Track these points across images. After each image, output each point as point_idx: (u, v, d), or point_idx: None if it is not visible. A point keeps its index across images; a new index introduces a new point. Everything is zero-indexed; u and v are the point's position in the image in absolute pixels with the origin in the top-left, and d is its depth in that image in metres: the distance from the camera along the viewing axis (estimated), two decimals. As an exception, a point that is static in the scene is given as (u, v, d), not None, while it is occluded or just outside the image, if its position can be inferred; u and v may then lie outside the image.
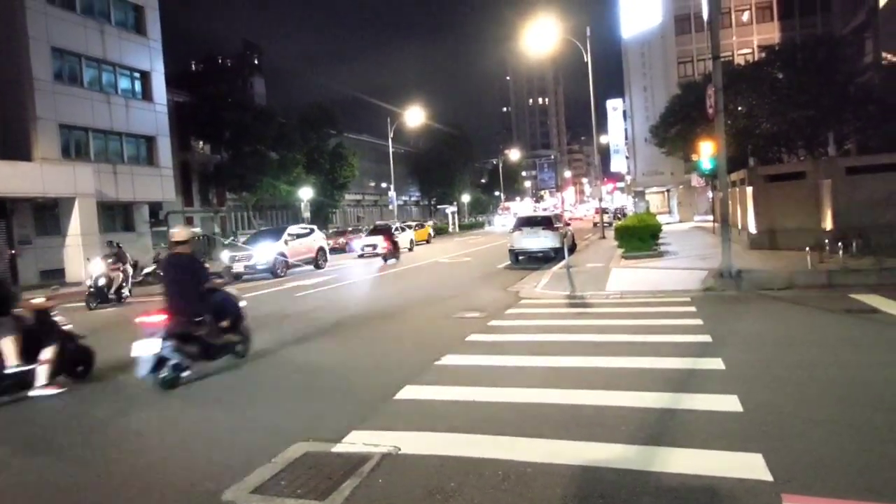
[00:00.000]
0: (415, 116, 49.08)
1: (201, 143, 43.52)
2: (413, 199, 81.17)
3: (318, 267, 23.62)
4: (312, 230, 25.35)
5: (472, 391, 6.03)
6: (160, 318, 6.95)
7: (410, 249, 33.07)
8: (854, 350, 6.92)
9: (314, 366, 7.85)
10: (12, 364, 6.75)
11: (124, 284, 16.65)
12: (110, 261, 16.56)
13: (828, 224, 15.67)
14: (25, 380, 6.82)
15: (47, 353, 6.90)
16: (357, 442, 4.85)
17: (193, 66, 49.39)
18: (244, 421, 5.70)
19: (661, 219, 28.45)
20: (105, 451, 5.13)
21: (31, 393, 6.80)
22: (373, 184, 70.23)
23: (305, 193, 40.81)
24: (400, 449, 4.63)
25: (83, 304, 15.76)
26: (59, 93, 26.95)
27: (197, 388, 6.97)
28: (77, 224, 25.58)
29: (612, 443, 4.51)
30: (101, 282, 15.97)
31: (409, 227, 38.06)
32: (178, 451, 5.04)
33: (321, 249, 24.44)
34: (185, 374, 7.01)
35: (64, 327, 7.40)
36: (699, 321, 8.94)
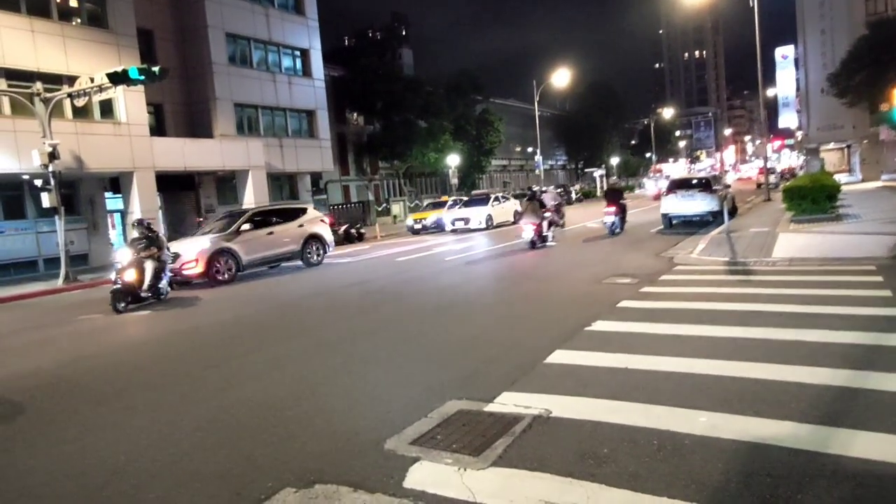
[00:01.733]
0: (562, 78, 47.76)
1: (355, 114, 45.72)
2: (560, 162, 79.63)
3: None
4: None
5: (623, 358, 5.89)
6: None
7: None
8: None
9: (473, 323, 8.08)
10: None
11: (162, 276, 12.62)
12: (141, 245, 12.50)
13: None
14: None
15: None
16: (508, 403, 4.95)
17: (347, 41, 51.80)
18: (402, 376, 6.02)
19: (839, 178, 25.46)
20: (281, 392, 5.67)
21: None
22: (519, 148, 69.79)
23: (453, 160, 41.62)
24: (551, 412, 4.65)
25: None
26: (232, 74, 29.57)
27: (363, 340, 7.47)
28: (251, 194, 28.20)
29: (780, 419, 4.19)
30: (130, 276, 11.90)
31: (508, 197, 32.82)
32: (342, 401, 5.45)
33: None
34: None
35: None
36: (887, 292, 7.97)
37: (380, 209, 42.23)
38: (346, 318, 9.46)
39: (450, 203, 31.26)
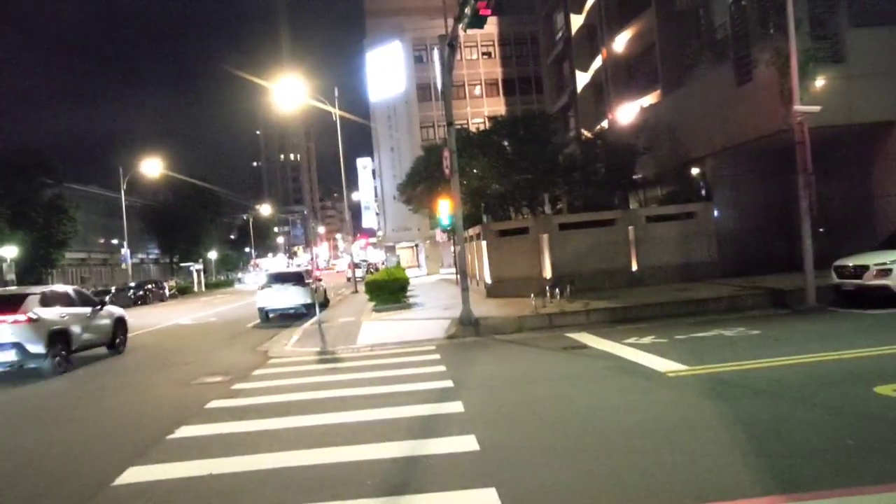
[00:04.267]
0: (153, 167, 45.26)
1: None
2: (152, 256, 73.99)
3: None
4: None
5: (208, 464, 5.48)
6: None
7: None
8: (570, 382, 7.86)
9: (28, 451, 6.45)
10: None
11: None
12: None
13: (547, 272, 17.91)
14: None
15: None
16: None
17: None
18: None
19: (410, 272, 29.86)
20: None
21: None
22: (102, 240, 62.54)
23: (9, 252, 34.62)
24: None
25: None
26: None
27: None
28: None
29: (357, 498, 4.41)
30: None
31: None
32: None
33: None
34: None
35: None
36: (442, 368, 9.40)
37: None
38: None
39: None
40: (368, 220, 74.26)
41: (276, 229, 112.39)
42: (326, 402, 7.66)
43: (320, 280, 24.77)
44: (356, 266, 39.02)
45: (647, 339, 10.28)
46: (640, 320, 12.76)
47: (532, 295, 14.54)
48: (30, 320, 11.50)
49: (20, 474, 5.81)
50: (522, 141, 24.56)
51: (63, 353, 12.23)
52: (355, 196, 75.27)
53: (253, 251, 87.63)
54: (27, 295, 12.15)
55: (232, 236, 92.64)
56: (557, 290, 15.35)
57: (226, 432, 6.60)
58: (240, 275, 76.41)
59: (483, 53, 57.17)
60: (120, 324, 14.99)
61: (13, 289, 16.33)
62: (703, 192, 19.64)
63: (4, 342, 11.22)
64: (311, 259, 74.19)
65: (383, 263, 57.19)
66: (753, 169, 18.84)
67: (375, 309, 19.34)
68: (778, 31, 14.32)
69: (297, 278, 20.88)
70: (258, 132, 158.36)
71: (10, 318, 11.36)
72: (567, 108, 38.50)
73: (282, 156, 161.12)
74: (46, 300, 12.37)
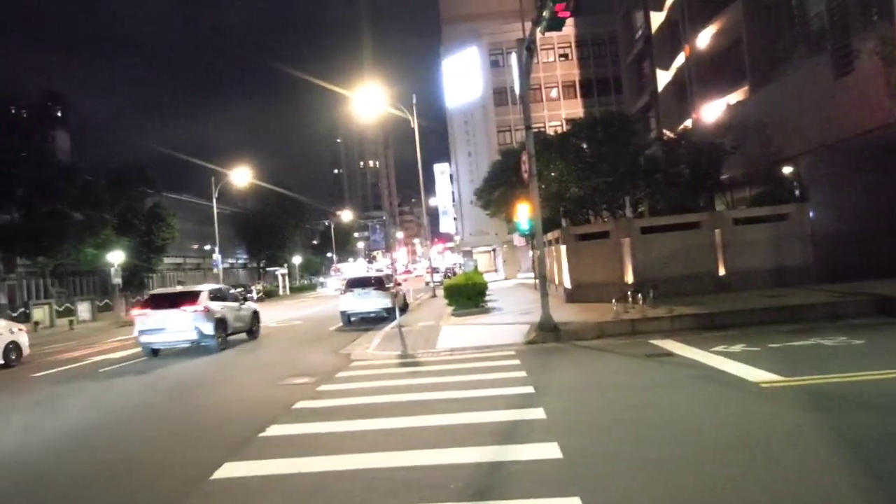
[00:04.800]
0: (242, 176, 47.45)
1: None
2: (241, 261, 77.54)
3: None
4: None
5: (297, 462, 5.69)
6: None
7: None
8: (656, 391, 7.61)
9: (129, 444, 6.94)
10: None
11: None
12: None
13: (629, 277, 17.44)
14: None
15: None
16: (162, 534, 4.30)
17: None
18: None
19: (488, 277, 29.86)
20: None
21: None
22: (196, 246, 66.10)
23: (115, 257, 37.16)
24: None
25: None
26: None
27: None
28: None
29: (441, 502, 4.45)
30: None
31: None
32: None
33: None
34: None
35: None
36: (523, 373, 9.33)
37: (15, 314, 35.07)
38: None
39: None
40: (446, 224, 74.76)
41: (355, 234, 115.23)
42: (409, 405, 7.78)
43: (400, 285, 25.17)
44: (434, 271, 39.42)
45: (737, 348, 9.82)
46: (728, 327, 12.20)
47: (613, 300, 14.21)
48: (205, 310, 15.46)
49: (134, 462, 6.23)
50: (602, 143, 24.10)
51: (223, 335, 16.01)
52: (433, 201, 75.99)
53: (334, 256, 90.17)
54: (201, 291, 16.11)
55: (314, 242, 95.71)
56: (640, 295, 14.93)
57: (312, 432, 6.82)
58: (321, 279, 78.79)
59: (560, 55, 56.53)
60: (256, 316, 19.01)
61: (188, 287, 19.49)
62: (797, 192, 18.57)
63: (189, 326, 15.14)
64: (392, 264, 75.50)
65: (461, 267, 57.51)
66: (854, 167, 17.58)
67: (454, 313, 19.45)
68: (882, 18, 13.39)
69: (377, 283, 21.30)
70: (338, 140, 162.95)
71: (192, 308, 15.29)
72: (647, 108, 37.42)
73: (361, 163, 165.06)
74: (212, 296, 16.31)
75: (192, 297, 15.62)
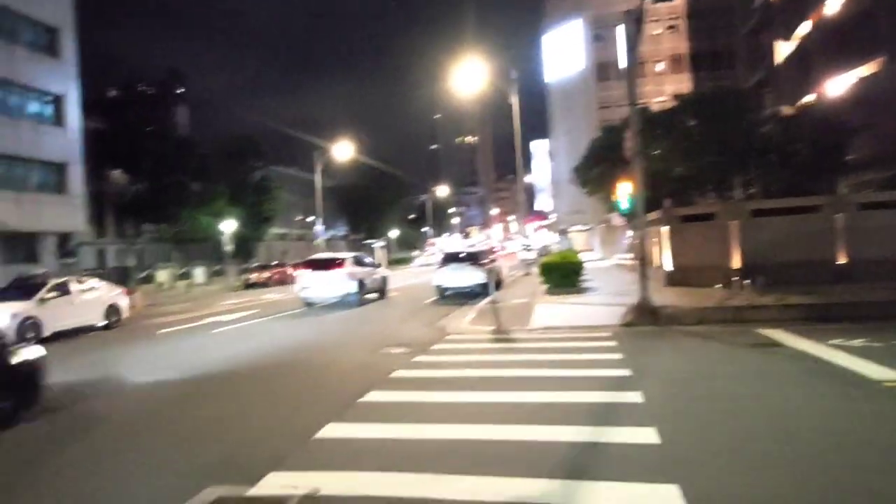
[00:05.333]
0: (343, 151, 48.90)
1: (118, 172, 41.66)
2: (341, 233, 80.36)
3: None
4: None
5: (396, 428, 5.92)
6: None
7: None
8: (762, 383, 7.26)
9: (240, 399, 7.50)
10: None
11: None
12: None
13: (735, 262, 16.58)
14: None
15: None
16: (274, 484, 4.64)
17: (113, 92, 47.48)
18: (154, 462, 5.35)
19: (584, 256, 29.29)
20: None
21: None
22: (299, 217, 69.08)
23: (228, 226, 39.61)
24: (320, 490, 4.45)
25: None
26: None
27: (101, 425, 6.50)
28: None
29: (533, 478, 4.50)
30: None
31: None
32: (72, 496, 4.64)
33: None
34: None
35: None
36: (619, 355, 9.17)
37: (143, 275, 38.30)
38: (89, 399, 8.21)
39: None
40: (542, 202, 73.92)
41: (451, 210, 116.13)
42: (502, 380, 7.86)
43: (495, 261, 25.17)
44: (527, 249, 39.10)
45: (856, 342, 9.15)
46: (847, 320, 11.32)
47: (717, 285, 13.58)
48: (351, 273, 19.32)
49: (246, 417, 6.72)
50: (711, 120, 22.90)
51: (362, 294, 19.56)
52: (529, 178, 75.27)
53: (430, 230, 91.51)
54: (346, 258, 20.00)
55: (411, 216, 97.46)
56: (746, 281, 14.18)
57: (408, 401, 7.06)
58: (417, 252, 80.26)
59: (668, 27, 53.86)
60: (384, 280, 22.70)
61: (337, 254, 23.24)
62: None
63: (339, 284, 19.00)
64: (488, 239, 75.66)
65: (557, 245, 56.71)
66: None
67: (548, 292, 19.30)
68: None
69: (472, 258, 21.44)
70: (437, 116, 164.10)
71: (341, 270, 19.27)
72: (763, 83, 35.03)
73: (458, 139, 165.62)
74: (355, 262, 20.14)
75: (340, 262, 19.47)
